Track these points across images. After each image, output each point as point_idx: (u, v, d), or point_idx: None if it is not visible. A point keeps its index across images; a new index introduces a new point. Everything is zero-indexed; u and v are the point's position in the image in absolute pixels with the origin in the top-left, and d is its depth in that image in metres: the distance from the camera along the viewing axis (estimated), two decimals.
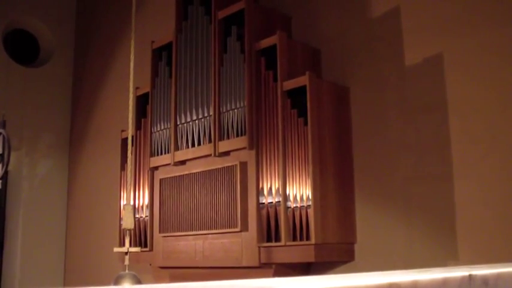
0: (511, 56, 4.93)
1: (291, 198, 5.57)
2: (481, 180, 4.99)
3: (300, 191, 5.52)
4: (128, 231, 3.71)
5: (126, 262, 3.63)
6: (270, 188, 5.75)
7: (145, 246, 7.09)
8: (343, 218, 5.69)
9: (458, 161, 5.17)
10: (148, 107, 7.40)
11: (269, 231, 5.73)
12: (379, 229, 5.64)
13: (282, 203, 5.61)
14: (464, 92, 5.21)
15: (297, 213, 5.50)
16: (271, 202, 5.72)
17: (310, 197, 5.41)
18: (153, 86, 7.36)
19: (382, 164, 5.70)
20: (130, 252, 3.65)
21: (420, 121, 5.47)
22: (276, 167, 5.73)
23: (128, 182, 4.08)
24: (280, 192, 5.63)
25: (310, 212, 5.39)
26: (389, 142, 5.67)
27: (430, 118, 5.40)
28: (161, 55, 7.39)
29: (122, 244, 7.08)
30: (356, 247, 5.79)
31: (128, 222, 3.60)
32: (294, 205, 5.54)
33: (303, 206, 5.46)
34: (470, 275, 1.00)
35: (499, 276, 1.10)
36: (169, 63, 7.21)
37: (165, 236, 6.87)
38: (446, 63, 5.37)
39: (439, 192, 5.24)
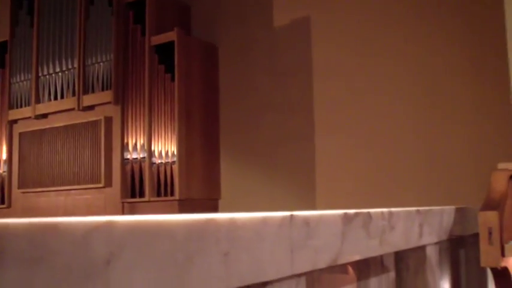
0: (374, 22, 5.16)
1: (156, 154, 5.55)
2: (340, 139, 5.24)
3: (165, 147, 5.50)
4: None
5: None
6: (135, 144, 5.69)
7: (3, 202, 6.78)
8: (208, 174, 5.76)
9: (320, 122, 5.38)
10: (7, 57, 6.98)
11: (133, 187, 5.68)
12: (244, 185, 5.77)
13: (146, 158, 5.57)
14: (328, 55, 5.40)
15: (162, 169, 5.49)
16: (136, 158, 5.66)
17: (175, 153, 5.42)
18: (12, 34, 6.93)
19: (249, 123, 5.80)
20: None
21: (287, 82, 5.61)
22: (142, 123, 5.66)
23: None
24: (145, 148, 5.59)
25: (175, 168, 5.41)
26: (256, 102, 5.77)
27: (296, 80, 5.55)
28: (21, 3, 6.95)
29: None
30: (220, 203, 5.90)
31: None
32: (159, 161, 5.52)
33: (168, 162, 5.46)
34: (291, 215, 1.06)
35: (320, 218, 1.18)
36: (30, 12, 6.80)
37: (24, 192, 6.60)
38: (313, 26, 5.52)
39: (302, 150, 5.44)
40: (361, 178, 5.07)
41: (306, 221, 1.12)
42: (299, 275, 1.11)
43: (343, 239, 1.27)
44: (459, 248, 2.67)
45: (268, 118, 5.68)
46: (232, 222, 0.90)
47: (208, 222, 0.86)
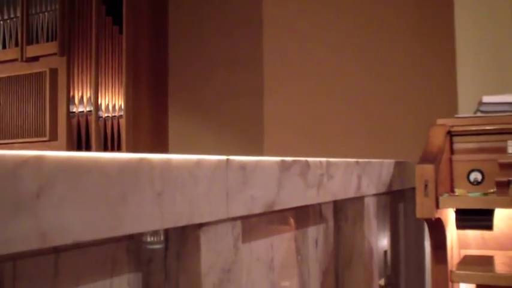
0: None
1: (103, 107, 5.47)
2: (288, 94, 5.27)
3: (113, 101, 5.43)
4: None
5: None
6: (82, 97, 5.58)
7: None
8: (155, 128, 5.72)
9: (269, 77, 5.40)
10: None
11: (79, 141, 5.61)
12: (192, 140, 5.76)
13: (93, 112, 5.49)
14: (279, 10, 5.38)
15: (109, 123, 5.43)
16: (83, 111, 5.57)
17: (122, 107, 5.36)
18: None
19: (198, 77, 5.76)
20: None
21: (236, 37, 5.57)
22: (88, 76, 5.55)
23: None
24: (92, 101, 5.50)
25: (122, 122, 5.35)
26: (205, 56, 5.72)
27: (246, 34, 5.52)
28: None
29: None
30: None
31: None
32: (106, 115, 5.45)
33: (115, 116, 5.40)
34: (227, 159, 1.08)
35: (257, 164, 1.20)
36: None
37: None
38: None
39: (251, 105, 5.45)
40: (308, 133, 5.14)
41: (242, 165, 1.14)
42: (235, 219, 1.14)
43: (279, 185, 1.30)
44: (398, 201, 2.76)
45: (217, 73, 5.65)
46: (166, 163, 0.91)
47: (141, 161, 0.86)
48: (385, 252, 2.50)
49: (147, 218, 0.87)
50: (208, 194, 1.03)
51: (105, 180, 0.79)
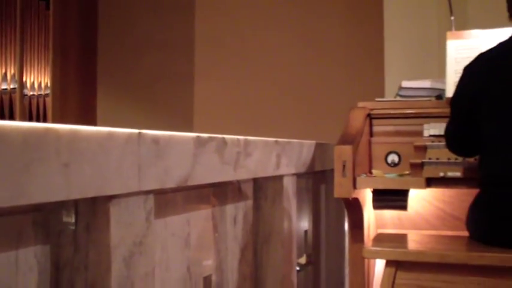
0: None
1: (28, 85, 5.31)
2: (220, 78, 5.28)
3: (38, 79, 5.29)
4: None
5: None
6: (5, 74, 5.40)
7: None
8: (83, 109, 5.61)
9: (201, 62, 5.38)
10: None
11: (3, 119, 5.43)
12: (121, 122, 5.66)
13: (17, 90, 5.32)
14: None
15: (34, 102, 5.29)
16: (6, 89, 5.38)
17: (49, 85, 5.23)
18: None
19: (127, 57, 5.67)
20: None
21: (168, 18, 5.52)
22: (13, 52, 5.37)
23: None
24: (16, 78, 5.33)
25: (49, 101, 5.23)
26: (135, 36, 5.64)
27: (178, 16, 5.48)
28: None
29: None
30: None
31: None
32: (31, 93, 5.30)
33: (41, 94, 5.26)
34: (139, 133, 1.08)
35: (171, 138, 1.21)
36: None
37: None
38: None
39: (181, 88, 5.43)
40: (238, 115, 5.17)
41: (155, 139, 1.15)
42: (147, 192, 1.15)
43: (194, 161, 1.32)
44: (320, 182, 2.83)
45: (148, 54, 5.59)
46: (74, 134, 0.91)
47: (47, 131, 0.86)
48: (306, 231, 2.56)
49: (52, 188, 0.87)
50: (119, 166, 1.03)
51: (8, 149, 0.78)
